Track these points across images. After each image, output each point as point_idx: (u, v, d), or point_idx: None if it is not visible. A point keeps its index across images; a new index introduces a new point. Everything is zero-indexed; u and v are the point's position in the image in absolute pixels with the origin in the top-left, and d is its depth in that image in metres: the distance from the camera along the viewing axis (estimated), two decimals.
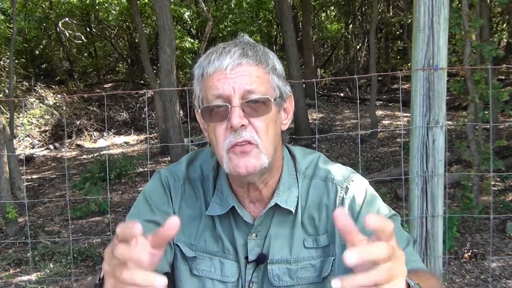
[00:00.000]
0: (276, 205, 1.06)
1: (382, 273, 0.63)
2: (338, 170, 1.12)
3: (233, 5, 13.96)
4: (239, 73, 0.96)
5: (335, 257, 1.06)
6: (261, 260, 1.07)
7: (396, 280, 0.64)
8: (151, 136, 12.04)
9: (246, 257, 1.08)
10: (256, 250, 1.07)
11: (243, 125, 0.96)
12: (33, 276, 4.53)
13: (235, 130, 0.96)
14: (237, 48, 0.99)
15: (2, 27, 13.42)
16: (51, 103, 12.63)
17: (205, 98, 1.00)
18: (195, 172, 1.14)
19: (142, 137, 12.17)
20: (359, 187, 1.08)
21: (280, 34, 14.94)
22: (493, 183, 5.68)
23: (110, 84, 16.08)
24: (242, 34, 1.08)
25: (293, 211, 1.07)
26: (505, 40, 13.44)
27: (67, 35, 15.33)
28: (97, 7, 14.62)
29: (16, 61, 13.95)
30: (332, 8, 17.79)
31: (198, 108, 1.04)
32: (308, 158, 1.13)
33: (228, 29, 14.14)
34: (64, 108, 12.92)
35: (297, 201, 1.08)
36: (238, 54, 0.97)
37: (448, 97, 2.44)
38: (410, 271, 0.94)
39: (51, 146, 11.46)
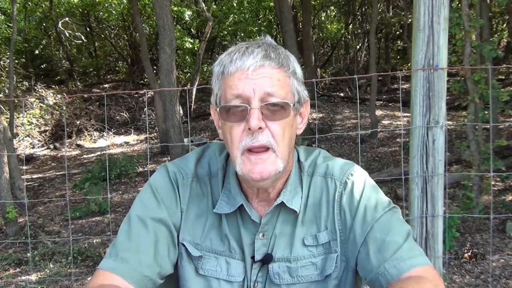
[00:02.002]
0: (282, 204, 1.06)
1: None
2: (337, 165, 1.11)
3: (235, 4, 13.95)
4: (261, 74, 0.96)
5: (338, 254, 1.06)
6: (267, 260, 1.07)
7: None
8: (151, 136, 12.04)
9: (253, 257, 1.07)
10: (262, 249, 1.07)
11: (260, 128, 0.95)
12: (33, 276, 4.53)
13: (252, 132, 0.96)
14: (260, 49, 0.98)
15: (2, 27, 13.41)
16: (51, 103, 12.63)
17: (223, 96, 1.00)
18: (203, 169, 1.13)
19: (142, 137, 12.17)
20: (357, 180, 1.08)
21: (280, 34, 14.94)
22: (493, 183, 5.67)
23: (110, 84, 16.07)
24: (264, 35, 1.07)
25: (298, 211, 1.07)
26: (505, 40, 13.45)
27: (67, 35, 15.32)
28: (97, 7, 14.61)
29: (16, 61, 13.94)
30: (332, 8, 17.78)
31: (215, 105, 1.03)
32: (310, 157, 1.14)
33: (229, 28, 14.15)
34: (64, 108, 12.92)
35: (301, 200, 1.08)
36: (261, 56, 0.97)
37: (448, 97, 2.44)
38: (406, 278, 0.93)
39: (51, 146, 11.46)
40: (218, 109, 1.01)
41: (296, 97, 1.02)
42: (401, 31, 14.04)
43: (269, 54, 0.98)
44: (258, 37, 1.07)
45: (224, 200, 1.08)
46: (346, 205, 1.06)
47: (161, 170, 1.13)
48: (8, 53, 9.26)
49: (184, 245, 1.09)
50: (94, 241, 5.45)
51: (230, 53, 1.00)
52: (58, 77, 15.39)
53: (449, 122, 7.70)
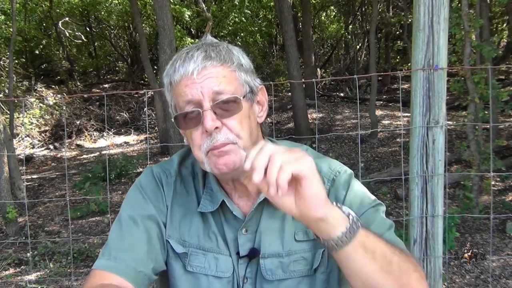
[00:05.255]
0: (266, 199, 1.05)
1: (273, 165, 0.80)
2: (325, 163, 1.13)
3: (237, 2, 13.93)
4: (205, 76, 0.98)
5: (325, 249, 1.07)
6: (254, 254, 1.08)
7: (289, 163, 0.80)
8: (151, 136, 12.04)
9: (238, 253, 1.08)
10: (247, 245, 1.08)
11: (216, 128, 0.98)
12: (33, 276, 4.53)
13: (210, 133, 0.98)
14: (199, 52, 1.00)
15: (2, 27, 13.40)
16: (51, 103, 12.63)
17: (177, 105, 1.02)
18: (186, 169, 1.15)
19: (142, 137, 12.17)
20: (344, 179, 1.11)
21: (280, 34, 14.94)
22: (493, 183, 5.67)
23: (110, 84, 16.07)
24: (205, 35, 1.09)
25: None
26: (505, 40, 13.45)
27: (67, 35, 15.32)
28: (97, 7, 14.61)
29: (16, 61, 13.93)
30: (332, 8, 17.78)
31: (172, 115, 1.05)
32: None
33: (229, 28, 14.14)
34: (64, 108, 12.92)
35: None
36: (201, 58, 0.98)
37: (448, 97, 2.44)
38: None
39: (51, 146, 11.46)
40: (173, 118, 1.04)
41: (246, 88, 1.03)
42: (401, 31, 14.04)
43: (209, 54, 0.99)
44: (201, 38, 1.08)
45: (207, 199, 1.10)
46: (333, 199, 1.06)
47: (146, 172, 1.16)
48: (8, 53, 9.25)
49: (169, 242, 1.10)
50: (94, 241, 5.45)
51: (173, 62, 1.02)
52: (58, 77, 15.39)
53: (449, 122, 7.70)
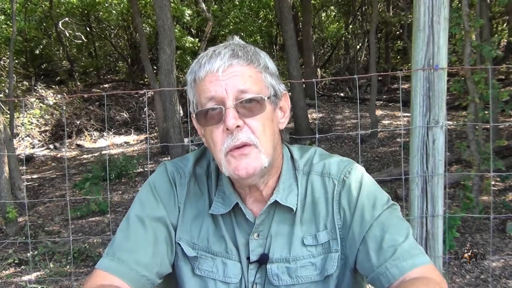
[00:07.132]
0: (277, 203, 1.05)
1: None
2: (334, 163, 1.11)
3: (237, 2, 13.93)
4: (231, 74, 0.96)
5: (339, 253, 1.05)
6: (264, 260, 1.06)
7: None
8: (151, 136, 12.04)
9: (248, 257, 1.07)
10: (258, 250, 1.06)
11: (238, 126, 0.95)
12: (33, 276, 4.53)
13: (231, 132, 0.95)
14: (227, 50, 0.98)
15: (2, 27, 13.41)
16: (51, 103, 12.64)
17: (199, 102, 1.00)
18: (201, 168, 1.13)
19: (142, 137, 12.17)
20: (355, 178, 1.07)
21: (280, 34, 14.94)
22: (493, 183, 5.67)
23: (110, 84, 16.06)
24: (232, 36, 1.07)
25: (294, 209, 1.06)
26: (505, 40, 13.45)
27: (67, 35, 15.32)
28: (97, 7, 14.61)
29: (16, 61, 13.93)
30: (332, 8, 17.78)
31: (193, 113, 1.03)
32: (305, 155, 1.13)
33: (230, 27, 14.13)
34: (64, 108, 12.92)
35: (297, 198, 1.07)
36: (228, 56, 0.97)
37: (448, 97, 2.44)
38: (412, 279, 0.94)
39: (51, 146, 11.46)
40: (195, 115, 1.01)
41: (271, 90, 1.01)
42: (401, 31, 14.04)
43: (237, 52, 0.98)
44: (228, 39, 1.06)
45: (219, 201, 1.07)
46: (345, 204, 1.05)
47: (160, 169, 1.13)
48: (8, 53, 9.25)
49: (180, 245, 1.08)
50: (94, 241, 5.45)
51: (199, 59, 1.00)
52: (58, 77, 15.39)
53: (449, 122, 7.69)
